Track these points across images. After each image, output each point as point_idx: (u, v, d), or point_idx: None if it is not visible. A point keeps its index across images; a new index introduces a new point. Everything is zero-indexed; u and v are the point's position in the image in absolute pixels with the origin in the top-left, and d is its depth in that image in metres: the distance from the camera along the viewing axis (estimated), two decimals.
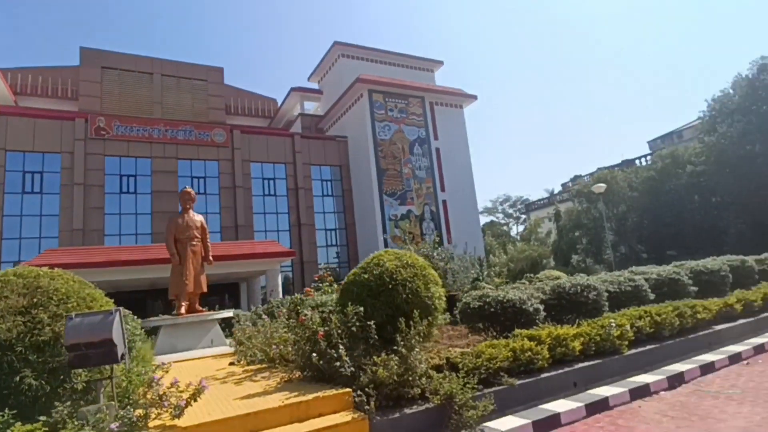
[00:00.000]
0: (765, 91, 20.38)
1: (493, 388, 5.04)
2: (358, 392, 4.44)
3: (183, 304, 8.45)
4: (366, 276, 5.59)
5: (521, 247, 37.78)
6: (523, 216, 56.11)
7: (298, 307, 7.46)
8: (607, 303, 7.44)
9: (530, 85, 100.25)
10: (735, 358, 6.78)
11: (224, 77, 31.20)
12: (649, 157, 33.15)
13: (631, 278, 8.07)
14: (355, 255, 28.87)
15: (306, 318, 5.40)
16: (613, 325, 6.36)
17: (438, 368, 5.16)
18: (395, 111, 30.35)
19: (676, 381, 5.86)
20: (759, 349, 7.23)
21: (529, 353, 5.52)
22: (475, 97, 34.37)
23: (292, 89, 35.11)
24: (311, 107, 40.08)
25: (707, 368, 6.35)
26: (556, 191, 50.66)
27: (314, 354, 4.88)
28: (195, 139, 25.17)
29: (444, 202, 30.78)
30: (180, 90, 29.07)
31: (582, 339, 6.13)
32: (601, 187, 20.89)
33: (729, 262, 10.11)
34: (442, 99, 32.70)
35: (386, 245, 26.23)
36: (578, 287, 7.18)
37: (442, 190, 30.89)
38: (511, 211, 64.54)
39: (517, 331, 6.14)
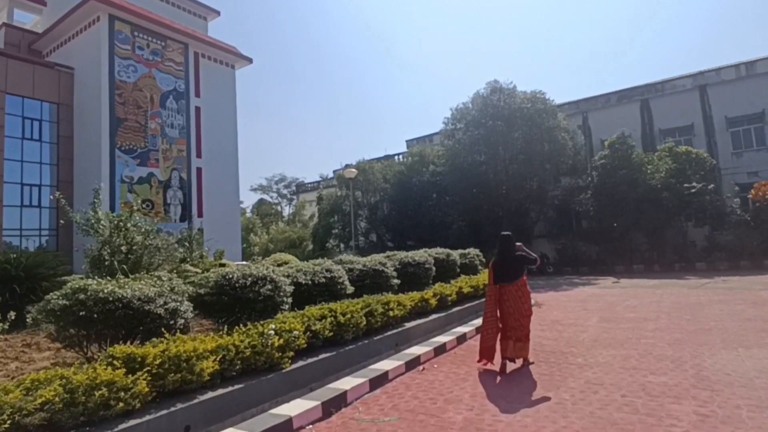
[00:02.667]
0: (493, 109, 23.67)
1: None
2: None
3: None
4: None
5: (282, 228, 36.59)
6: (295, 197, 55.52)
7: None
8: (289, 299, 5.90)
9: (318, 65, 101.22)
10: (413, 363, 6.06)
11: None
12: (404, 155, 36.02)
13: (329, 269, 6.81)
14: (69, 222, 22.43)
15: None
16: (272, 332, 4.73)
17: None
18: (146, 51, 24.75)
19: (334, 405, 4.56)
20: (439, 350, 6.80)
21: (104, 391, 3.32)
22: (249, 60, 31.19)
23: None
24: (28, 20, 30.19)
25: (379, 380, 5.34)
26: (330, 176, 51.43)
27: None
28: None
29: (199, 169, 26.81)
30: None
31: (222, 355, 4.28)
32: (352, 172, 20.81)
33: (436, 254, 10.17)
34: (212, 53, 28.46)
35: (113, 212, 20.97)
36: (248, 279, 5.39)
37: (198, 156, 26.83)
38: (285, 191, 63.63)
39: (119, 348, 3.88)
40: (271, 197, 64.83)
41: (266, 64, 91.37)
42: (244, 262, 14.70)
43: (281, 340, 4.81)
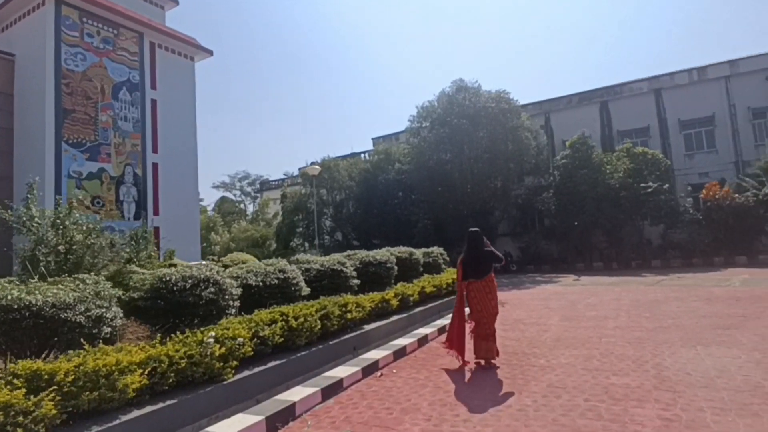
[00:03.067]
0: (459, 107, 23.69)
1: None
2: None
3: None
4: None
5: (244, 227, 35.48)
6: (259, 196, 54.26)
7: None
8: (236, 303, 5.44)
9: (283, 59, 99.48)
10: (370, 369, 5.73)
11: None
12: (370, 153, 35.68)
13: (282, 269, 6.37)
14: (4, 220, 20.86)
15: None
16: (212, 340, 4.28)
17: None
18: (96, 39, 23.29)
19: (280, 419, 4.16)
20: (399, 354, 6.50)
21: None
22: (210, 52, 29.98)
23: None
24: None
25: (333, 389, 4.97)
26: (295, 174, 50.44)
27: None
28: None
29: (155, 165, 25.51)
30: None
31: (152, 367, 3.81)
32: (315, 169, 20.30)
33: (399, 253, 9.88)
34: (169, 43, 27.15)
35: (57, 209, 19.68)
36: (188, 282, 4.90)
37: (155, 151, 25.54)
38: (249, 189, 62.37)
39: (23, 363, 3.34)
40: (235, 195, 63.45)
41: (228, 57, 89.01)
42: (204, 262, 13.95)
43: (223, 349, 4.36)
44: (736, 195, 19.85)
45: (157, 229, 24.57)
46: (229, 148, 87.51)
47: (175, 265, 11.40)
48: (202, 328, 4.67)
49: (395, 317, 7.76)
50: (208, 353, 4.18)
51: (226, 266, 8.85)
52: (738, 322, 7.49)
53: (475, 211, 24.19)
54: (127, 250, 10.99)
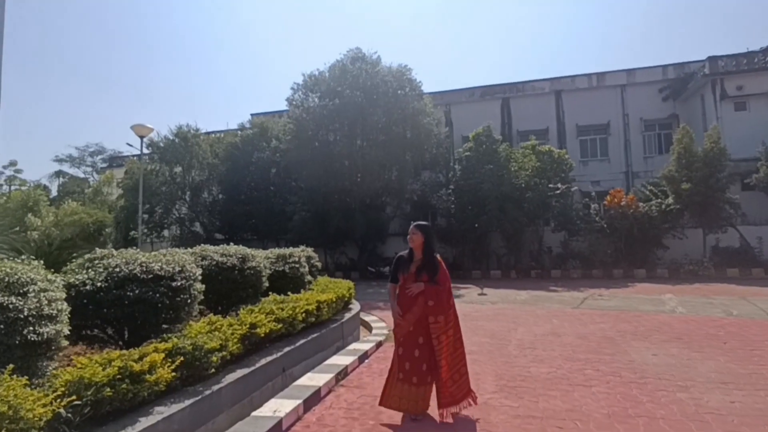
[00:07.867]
0: (352, 78, 19.67)
1: None
2: None
3: None
4: None
5: (73, 209, 27.40)
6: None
7: None
8: None
9: (160, 21, 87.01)
10: None
11: None
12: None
13: None
14: None
15: None
16: None
17: None
18: None
19: None
20: None
21: None
22: None
23: None
24: None
25: None
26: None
27: None
28: None
29: None
30: None
31: None
32: (147, 129, 14.69)
33: (222, 257, 5.38)
34: None
35: None
36: None
37: None
38: (103, 166, 52.29)
39: None
40: (85, 172, 52.81)
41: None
42: None
43: None
44: (641, 204, 18.71)
45: None
46: (82, 118, 73.73)
47: None
48: None
49: (159, 415, 3.24)
50: None
51: None
52: None
53: (365, 205, 20.40)
54: None
